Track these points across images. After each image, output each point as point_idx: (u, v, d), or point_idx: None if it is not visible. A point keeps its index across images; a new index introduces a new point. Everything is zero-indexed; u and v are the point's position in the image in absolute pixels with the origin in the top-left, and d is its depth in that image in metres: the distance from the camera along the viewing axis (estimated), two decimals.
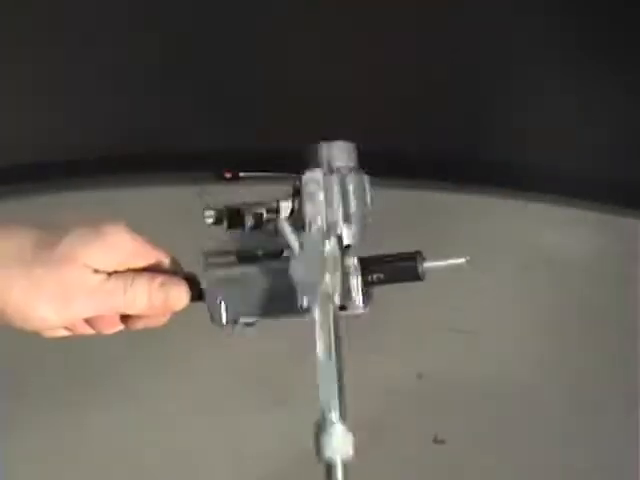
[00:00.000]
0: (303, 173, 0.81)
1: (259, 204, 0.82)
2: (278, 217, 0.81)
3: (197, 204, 2.72)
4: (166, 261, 0.85)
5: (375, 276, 0.80)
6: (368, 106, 2.71)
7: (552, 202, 2.59)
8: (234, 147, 2.86)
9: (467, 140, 2.68)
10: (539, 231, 2.56)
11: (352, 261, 0.79)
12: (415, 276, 0.80)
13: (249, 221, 0.82)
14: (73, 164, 2.86)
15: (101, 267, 0.82)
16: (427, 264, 0.80)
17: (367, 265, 0.80)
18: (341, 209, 0.79)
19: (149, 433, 2.09)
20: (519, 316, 2.28)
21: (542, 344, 2.20)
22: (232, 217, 0.82)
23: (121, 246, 0.82)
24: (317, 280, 0.77)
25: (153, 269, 0.84)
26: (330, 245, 0.78)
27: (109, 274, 0.82)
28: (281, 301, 0.80)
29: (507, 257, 2.45)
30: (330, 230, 0.78)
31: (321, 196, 0.78)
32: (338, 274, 0.78)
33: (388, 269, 0.80)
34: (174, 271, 0.86)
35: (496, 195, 2.64)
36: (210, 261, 0.83)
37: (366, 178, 0.80)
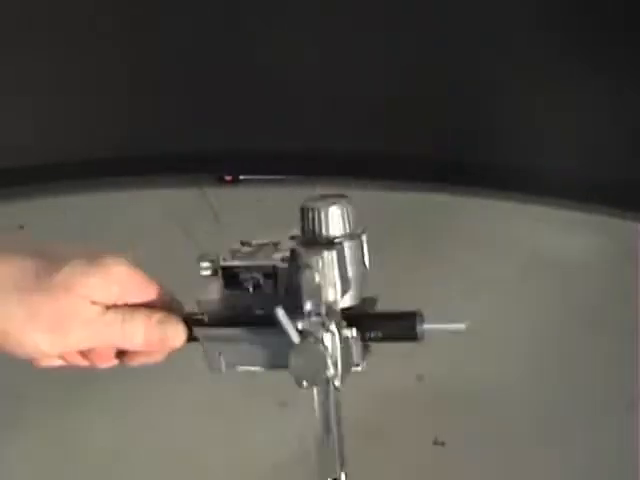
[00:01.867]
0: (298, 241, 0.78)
1: (257, 267, 0.79)
2: (276, 285, 0.79)
3: (198, 206, 2.73)
4: (166, 298, 0.84)
5: (373, 334, 0.80)
6: (368, 107, 2.71)
7: (552, 204, 2.59)
8: (234, 150, 2.86)
9: (467, 142, 2.68)
10: (539, 233, 2.56)
11: (352, 332, 0.78)
12: (413, 337, 0.80)
13: (246, 285, 0.80)
14: (73, 166, 2.86)
15: (99, 299, 0.81)
16: (426, 326, 0.80)
17: (366, 322, 0.80)
18: (339, 284, 0.77)
19: (149, 433, 2.09)
20: (519, 317, 2.28)
21: (542, 345, 2.20)
22: (228, 279, 0.80)
23: (121, 279, 0.81)
24: (318, 371, 0.77)
25: (152, 305, 0.83)
26: (330, 335, 0.77)
27: (107, 307, 0.81)
28: (279, 356, 0.79)
29: (507, 259, 2.45)
30: (330, 316, 0.77)
31: (317, 279, 0.76)
32: (339, 359, 0.78)
33: (387, 328, 0.80)
34: (173, 309, 0.85)
35: (496, 197, 2.64)
36: (204, 311, 0.82)
37: (364, 239, 0.79)
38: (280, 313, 0.75)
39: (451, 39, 2.62)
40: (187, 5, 2.79)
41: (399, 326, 0.80)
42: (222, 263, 0.80)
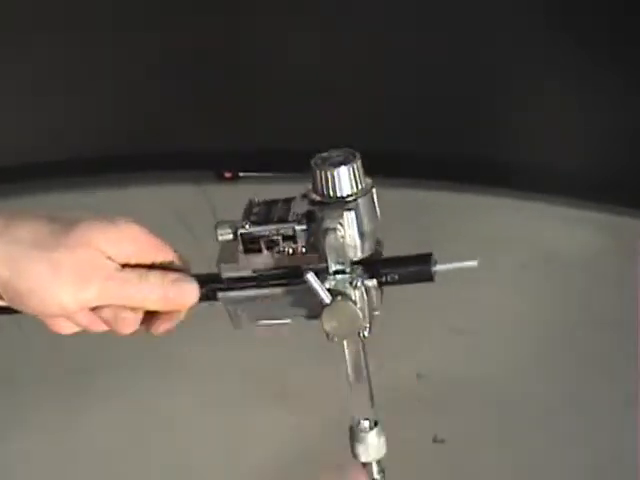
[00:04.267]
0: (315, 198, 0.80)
1: (275, 231, 0.81)
2: (296, 246, 0.81)
3: (198, 203, 2.72)
4: (176, 260, 0.86)
5: (389, 277, 0.82)
6: (368, 106, 2.71)
7: (552, 202, 2.59)
8: (234, 147, 2.86)
9: (468, 140, 2.68)
10: (539, 231, 2.56)
11: (372, 282, 0.81)
12: (429, 278, 0.82)
13: (265, 250, 0.82)
14: (72, 163, 2.86)
15: (114, 255, 0.83)
16: (439, 267, 0.82)
17: (382, 267, 0.82)
18: (359, 241, 0.80)
19: (149, 433, 2.09)
20: (519, 316, 2.28)
21: (541, 344, 2.20)
22: (247, 244, 0.82)
23: (134, 237, 0.84)
24: (352, 327, 0.80)
25: (164, 266, 0.86)
26: (358, 291, 0.79)
27: (123, 265, 0.83)
28: (300, 308, 0.82)
29: (507, 257, 2.45)
30: (355, 272, 0.80)
31: (341, 240, 0.78)
32: (366, 311, 0.81)
33: (402, 271, 0.82)
34: (184, 269, 0.87)
35: (496, 195, 2.64)
36: (227, 278, 0.83)
37: (374, 192, 0.81)
38: (310, 276, 0.77)
39: (451, 37, 2.62)
40: (187, 3, 2.79)
41: (414, 268, 0.82)
42: (241, 230, 0.82)
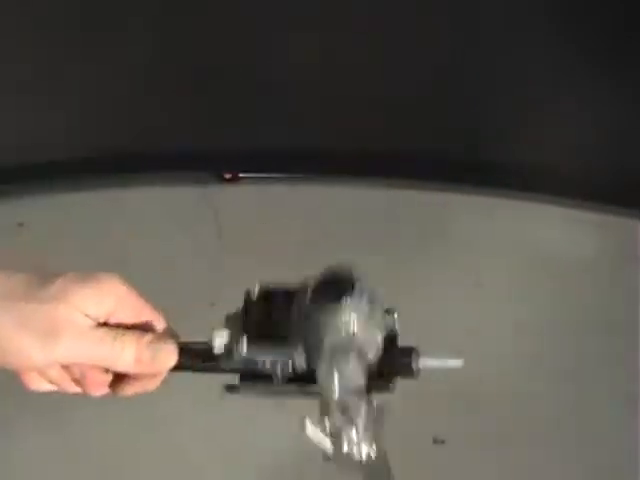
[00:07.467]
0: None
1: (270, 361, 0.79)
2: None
3: (198, 204, 2.72)
4: (158, 322, 0.84)
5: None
6: (367, 106, 2.71)
7: (551, 202, 2.59)
8: (234, 147, 2.86)
9: (467, 140, 2.68)
10: (538, 231, 2.56)
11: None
12: (409, 373, 0.81)
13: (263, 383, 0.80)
14: (72, 164, 2.86)
15: (92, 313, 0.80)
16: (422, 362, 0.81)
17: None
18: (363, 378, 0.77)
19: (147, 433, 2.08)
20: (519, 316, 2.28)
21: (541, 344, 2.20)
22: (245, 376, 0.81)
23: (114, 294, 0.81)
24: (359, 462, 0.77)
25: (145, 328, 0.83)
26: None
27: (99, 324, 0.81)
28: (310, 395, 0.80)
29: (506, 257, 2.45)
30: (357, 408, 0.77)
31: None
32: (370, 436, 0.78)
33: (385, 364, 0.80)
34: (167, 334, 0.84)
35: (495, 195, 2.63)
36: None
37: (380, 304, 0.79)
38: (310, 430, 0.74)
39: (451, 38, 2.62)
40: (187, 3, 2.79)
41: (397, 363, 0.81)
42: (237, 353, 0.79)
